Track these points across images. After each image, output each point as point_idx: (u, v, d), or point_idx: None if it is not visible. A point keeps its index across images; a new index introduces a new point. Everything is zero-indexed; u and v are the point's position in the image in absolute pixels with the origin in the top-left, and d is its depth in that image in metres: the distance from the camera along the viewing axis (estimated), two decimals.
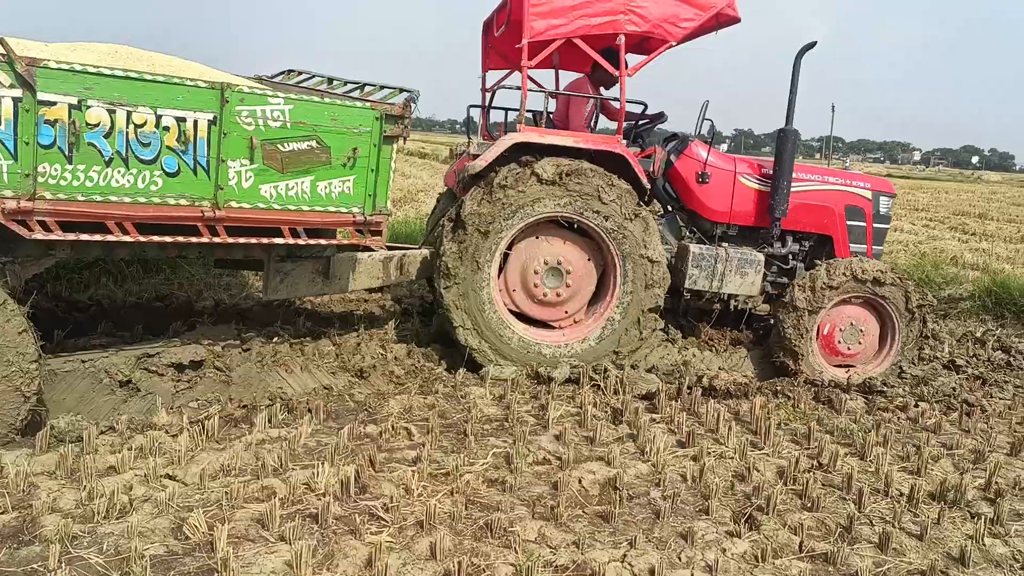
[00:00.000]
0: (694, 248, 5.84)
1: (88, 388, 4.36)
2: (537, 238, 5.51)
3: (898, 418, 5.00)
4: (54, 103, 3.59)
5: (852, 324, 5.85)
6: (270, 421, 4.15)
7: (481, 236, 5.24)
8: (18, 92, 3.50)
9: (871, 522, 3.48)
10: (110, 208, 3.82)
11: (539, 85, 6.25)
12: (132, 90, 3.78)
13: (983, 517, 3.53)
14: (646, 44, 6.24)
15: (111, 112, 3.74)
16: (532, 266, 5.49)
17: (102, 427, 3.89)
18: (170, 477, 3.45)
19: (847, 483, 3.81)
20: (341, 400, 4.61)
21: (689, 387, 5.13)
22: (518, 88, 5.44)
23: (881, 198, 6.37)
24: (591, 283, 5.63)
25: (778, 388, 5.31)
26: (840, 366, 5.89)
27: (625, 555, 3.04)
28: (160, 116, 3.87)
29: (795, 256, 6.25)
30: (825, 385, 5.45)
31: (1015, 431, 4.83)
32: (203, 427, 3.95)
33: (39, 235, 3.64)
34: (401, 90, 4.63)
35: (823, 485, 3.81)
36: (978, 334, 7.41)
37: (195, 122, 3.96)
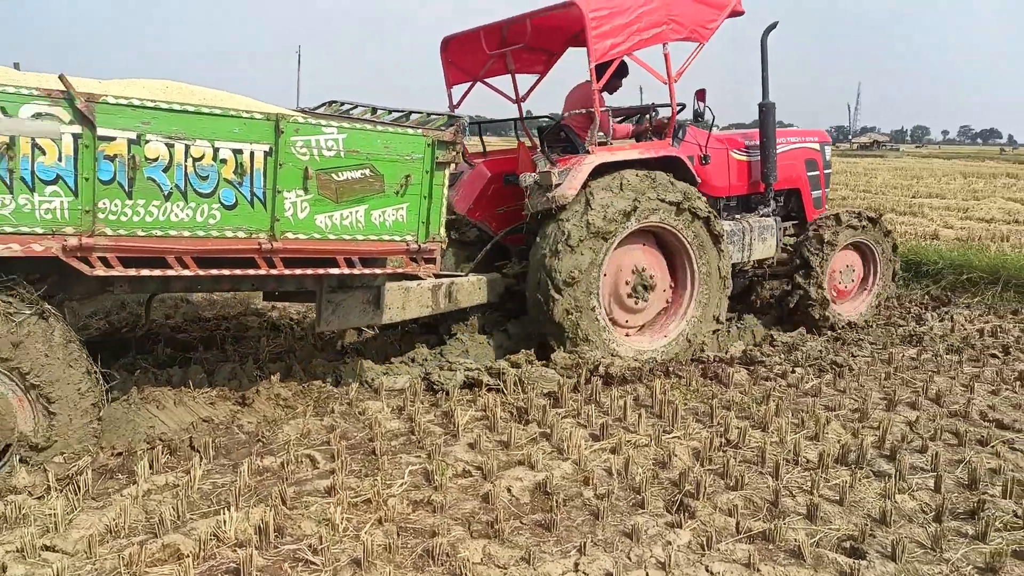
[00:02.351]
0: (725, 225, 6.24)
1: None
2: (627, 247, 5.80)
3: (780, 386, 5.25)
4: (113, 138, 3.51)
5: (848, 266, 6.89)
6: (152, 467, 3.70)
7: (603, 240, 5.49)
8: (77, 128, 3.42)
9: (793, 494, 3.58)
10: (170, 243, 3.74)
11: (503, 94, 6.77)
12: (189, 123, 3.70)
13: (887, 475, 3.74)
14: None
15: (169, 146, 3.66)
16: (624, 274, 5.80)
17: None
18: (50, 548, 2.96)
19: (761, 457, 3.92)
20: (228, 433, 4.19)
21: (587, 377, 5.12)
22: (587, 111, 5.86)
23: (825, 148, 7.36)
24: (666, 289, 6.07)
25: (669, 369, 5.41)
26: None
27: (577, 563, 2.94)
28: (217, 149, 3.78)
29: (774, 212, 6.97)
30: (711, 361, 5.64)
31: (884, 387, 5.19)
32: (75, 484, 3.45)
33: (100, 271, 3.58)
34: (449, 117, 4.57)
35: (740, 462, 3.89)
36: None
37: (251, 154, 3.88)
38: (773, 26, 6.51)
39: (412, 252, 4.44)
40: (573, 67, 6.15)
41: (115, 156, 3.53)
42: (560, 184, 5.42)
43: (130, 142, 3.55)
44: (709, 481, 3.65)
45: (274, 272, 4.04)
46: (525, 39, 6.07)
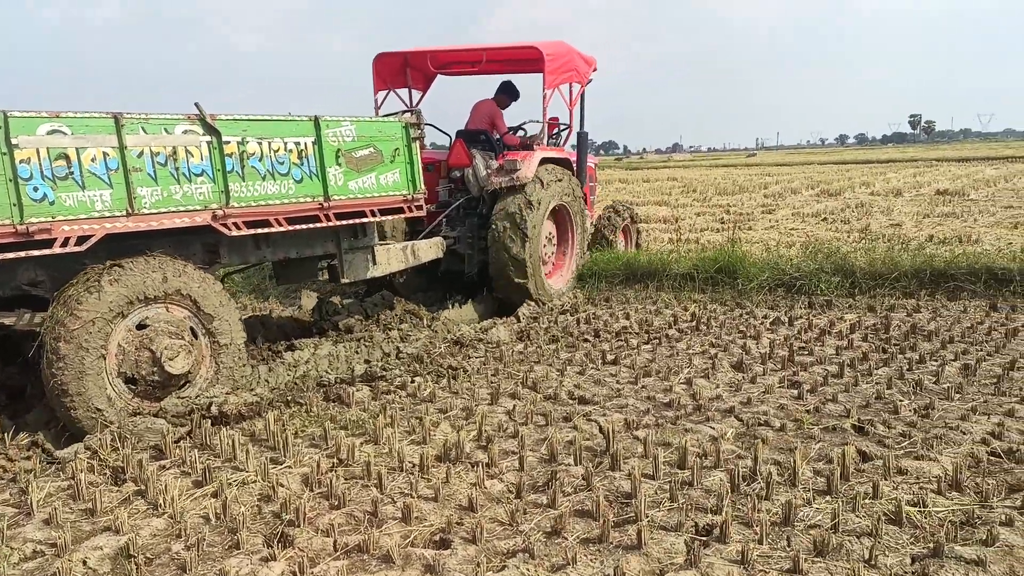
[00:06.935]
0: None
1: None
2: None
3: (400, 397, 5.43)
4: (229, 142, 5.21)
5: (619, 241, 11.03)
6: None
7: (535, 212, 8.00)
8: (209, 137, 5.12)
9: (393, 500, 3.70)
10: (269, 209, 5.49)
11: (405, 103, 9.13)
12: (269, 128, 5.46)
13: (481, 464, 4.03)
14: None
15: (260, 144, 5.39)
16: (543, 237, 8.26)
17: None
18: None
19: (367, 471, 4.00)
20: None
21: (199, 421, 4.82)
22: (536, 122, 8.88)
23: (597, 167, 10.71)
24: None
25: (289, 398, 5.31)
26: None
27: None
28: (286, 143, 5.55)
29: None
30: (333, 384, 5.65)
31: (491, 382, 5.62)
32: None
33: (234, 233, 5.28)
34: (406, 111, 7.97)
35: (345, 480, 3.93)
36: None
37: (306, 144, 5.69)
38: (589, 81, 9.38)
39: (407, 201, 6.62)
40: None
41: (231, 153, 5.20)
42: (520, 169, 7.81)
43: (238, 143, 5.25)
44: (313, 505, 3.63)
45: (330, 224, 5.93)
46: (478, 66, 9.35)
